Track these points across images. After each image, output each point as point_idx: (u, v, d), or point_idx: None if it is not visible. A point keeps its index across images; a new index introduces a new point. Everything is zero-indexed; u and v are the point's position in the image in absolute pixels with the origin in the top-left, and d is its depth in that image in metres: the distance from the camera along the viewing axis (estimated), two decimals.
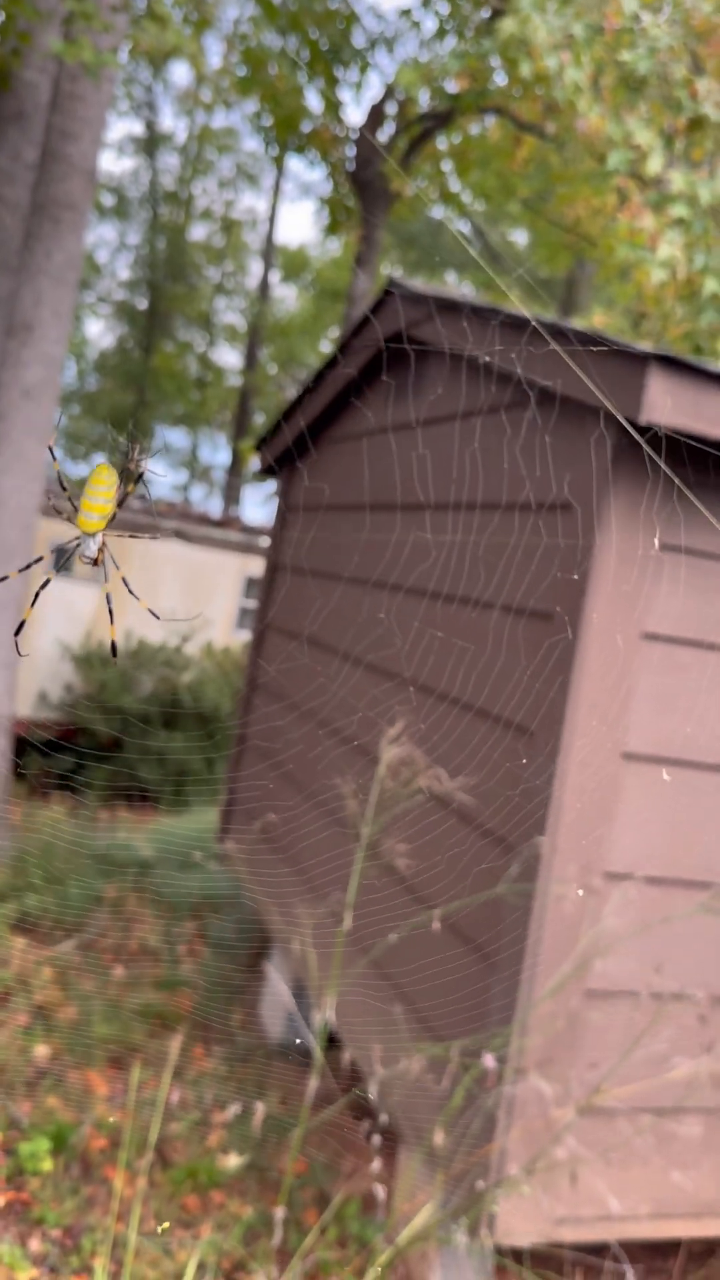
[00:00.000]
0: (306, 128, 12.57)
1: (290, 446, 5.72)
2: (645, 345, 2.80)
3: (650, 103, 6.79)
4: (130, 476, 1.43)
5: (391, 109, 12.08)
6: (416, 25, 11.76)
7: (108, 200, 24.01)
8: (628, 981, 2.96)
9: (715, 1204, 3.18)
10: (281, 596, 5.78)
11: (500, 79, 9.17)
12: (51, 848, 6.51)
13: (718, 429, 2.74)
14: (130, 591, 1.53)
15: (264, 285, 25.40)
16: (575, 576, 2.95)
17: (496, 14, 9.93)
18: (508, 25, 6.46)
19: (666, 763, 3.06)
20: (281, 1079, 4.52)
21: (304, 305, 26.09)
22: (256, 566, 11.00)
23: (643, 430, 2.74)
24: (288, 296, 27.05)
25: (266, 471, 6.27)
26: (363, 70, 12.25)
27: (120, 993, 5.10)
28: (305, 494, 5.69)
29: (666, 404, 2.69)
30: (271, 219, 26.08)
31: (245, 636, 10.91)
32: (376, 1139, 2.69)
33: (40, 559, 1.60)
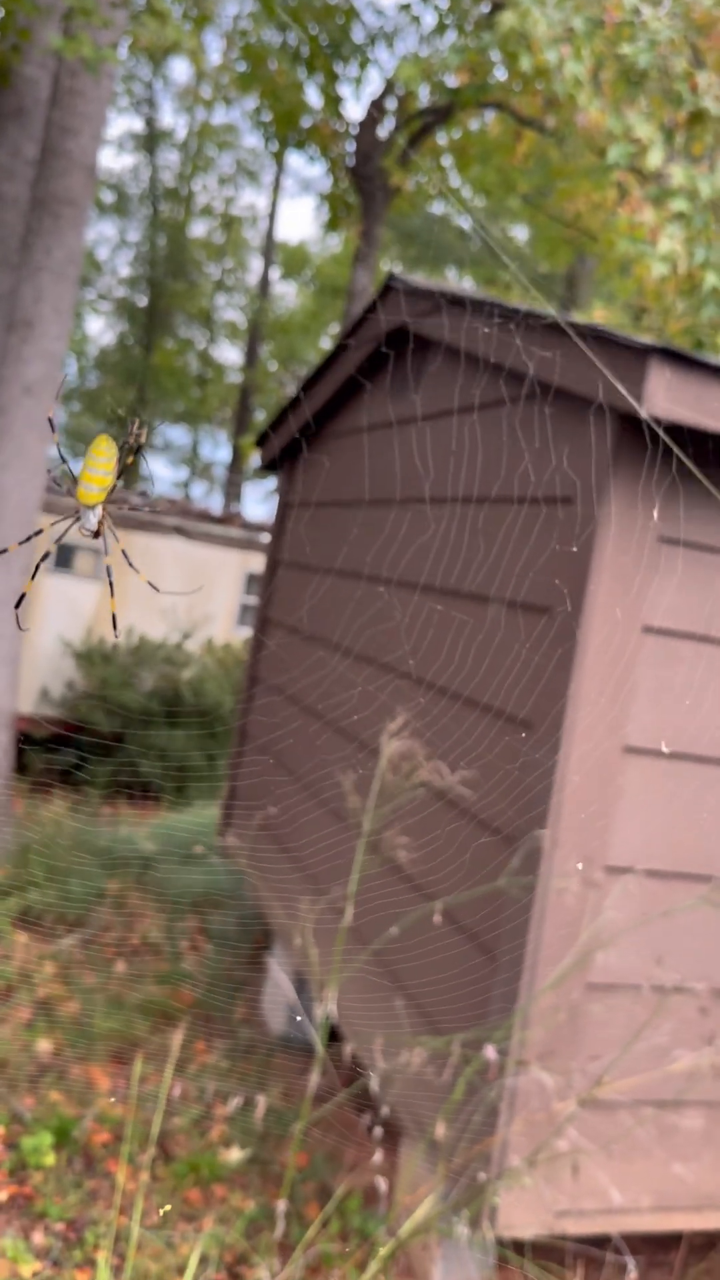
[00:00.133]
0: (306, 123, 12.56)
1: (290, 442, 5.72)
2: (646, 338, 2.80)
3: (650, 96, 6.79)
4: (130, 449, 1.41)
5: (391, 104, 12.07)
6: (416, 20, 11.74)
7: (108, 197, 23.99)
8: (629, 974, 2.96)
9: (717, 1196, 3.18)
10: (282, 592, 5.78)
11: (500, 73, 9.16)
12: (54, 843, 6.52)
13: (719, 422, 2.74)
14: (130, 564, 1.52)
15: (264, 282, 25.39)
16: (575, 570, 2.95)
17: (496, 8, 9.91)
18: (507, 19, 6.45)
19: (667, 756, 3.06)
20: (283, 1072, 4.52)
21: (304, 302, 26.06)
22: (258, 563, 11.00)
23: (643, 424, 2.73)
24: (288, 293, 27.05)
25: (267, 468, 6.27)
26: (362, 65, 12.24)
27: (122, 987, 5.11)
28: (306, 489, 5.69)
29: (667, 397, 2.69)
30: (272, 215, 26.08)
31: (246, 633, 10.91)
32: (378, 1132, 2.70)
33: (40, 532, 1.58)
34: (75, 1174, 3.79)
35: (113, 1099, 4.21)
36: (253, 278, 26.51)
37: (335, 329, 23.08)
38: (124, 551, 1.52)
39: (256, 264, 26.51)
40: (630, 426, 2.84)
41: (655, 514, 2.92)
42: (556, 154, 11.32)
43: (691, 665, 3.03)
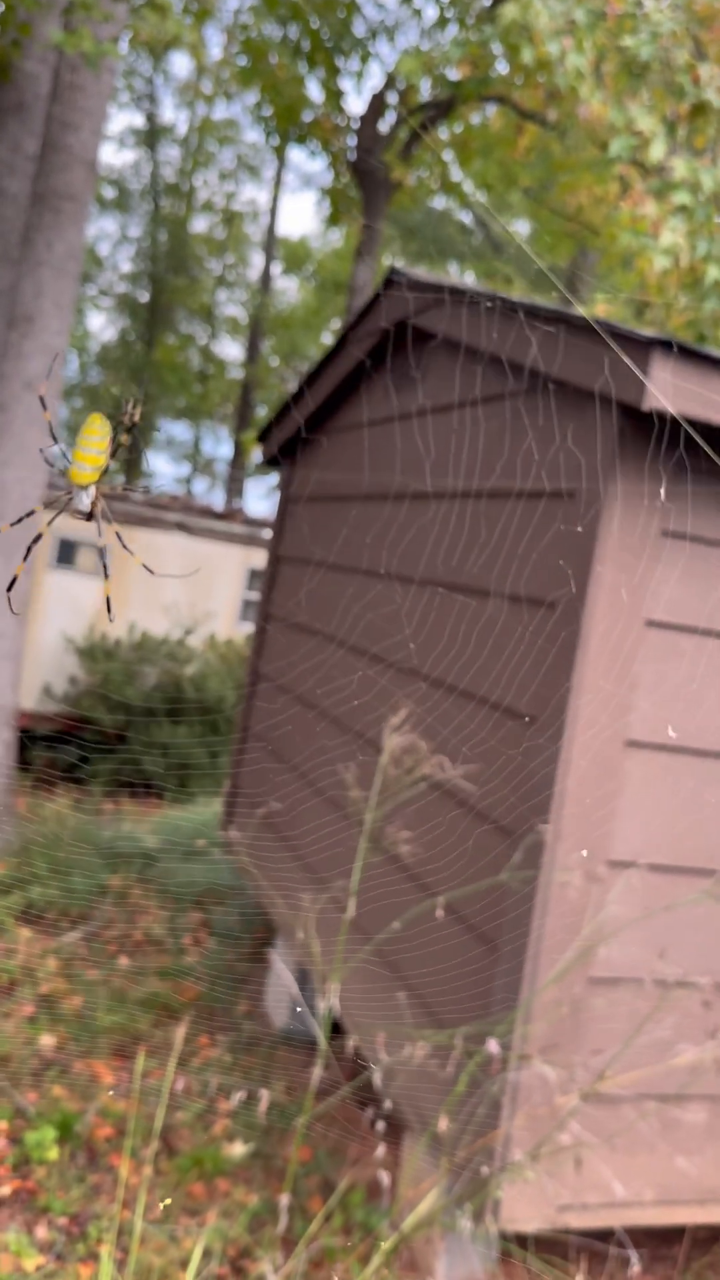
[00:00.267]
0: (307, 118, 12.53)
1: (292, 437, 5.71)
2: (649, 331, 2.79)
3: (652, 89, 6.76)
4: (124, 429, 1.38)
5: (392, 98, 12.04)
6: (417, 13, 11.72)
7: (109, 192, 23.96)
8: (631, 968, 2.96)
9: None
10: (284, 588, 5.78)
11: (502, 66, 9.13)
12: (56, 839, 6.52)
13: None
14: (125, 547, 1.50)
15: (265, 277, 25.35)
16: (577, 563, 2.94)
17: (498, 0, 9.89)
18: (509, 11, 6.43)
19: (669, 750, 3.06)
20: (286, 1067, 4.53)
21: (306, 297, 26.03)
22: (259, 559, 10.99)
23: (645, 416, 2.73)
24: (289, 288, 27.02)
25: (269, 463, 6.26)
26: (364, 59, 12.21)
27: (125, 982, 5.11)
28: (307, 485, 5.69)
29: (670, 390, 2.68)
30: (273, 211, 26.00)
31: (248, 629, 10.92)
32: (381, 1126, 2.70)
33: (33, 512, 1.56)
34: (78, 1168, 3.79)
35: (111, 1092, 4.21)
36: (254, 273, 26.50)
37: (337, 324, 23.05)
38: (118, 534, 1.50)
39: (258, 259, 26.51)
40: (633, 420, 2.83)
41: (658, 507, 2.91)
42: (558, 147, 11.29)
43: (694, 659, 3.02)
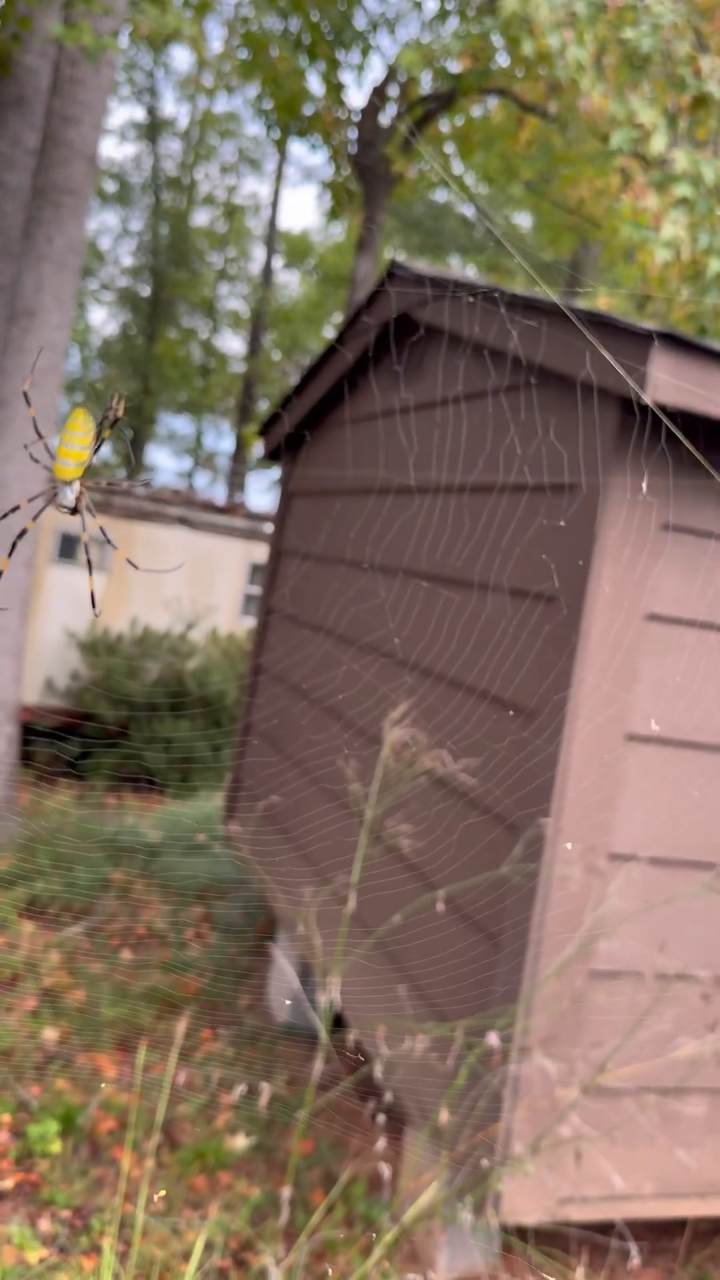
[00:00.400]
0: (308, 111, 12.50)
1: (293, 431, 5.71)
2: (649, 324, 2.79)
3: (654, 81, 6.74)
4: (108, 423, 1.37)
5: (393, 91, 12.01)
6: (418, 6, 11.68)
7: (110, 186, 23.92)
8: (632, 961, 2.97)
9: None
10: (286, 582, 5.78)
11: (502, 59, 9.10)
12: (59, 832, 6.53)
13: None
14: (108, 541, 1.50)
15: (267, 271, 25.31)
16: (577, 557, 2.94)
17: None
18: (510, 3, 6.41)
19: (670, 744, 3.06)
20: (288, 1060, 4.54)
21: (307, 291, 25.99)
22: (261, 553, 11.00)
23: (645, 409, 2.72)
24: (291, 282, 26.97)
25: (270, 457, 6.26)
26: (364, 52, 12.18)
27: (127, 976, 5.12)
28: (308, 478, 5.68)
29: (670, 383, 2.68)
30: (274, 204, 25.95)
31: (250, 623, 10.92)
32: (382, 1119, 2.71)
33: (18, 508, 1.56)
34: (81, 1162, 3.80)
35: (105, 1084, 4.22)
36: (255, 267, 26.44)
37: (338, 318, 23.02)
38: (102, 529, 1.50)
39: (259, 253, 26.46)
40: (633, 412, 2.83)
41: (658, 501, 2.91)
42: (559, 140, 11.26)
43: (694, 652, 3.02)
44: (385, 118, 12.19)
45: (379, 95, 12.08)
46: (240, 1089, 3.02)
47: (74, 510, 1.38)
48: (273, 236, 25.20)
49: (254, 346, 24.87)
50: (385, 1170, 2.61)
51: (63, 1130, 3.89)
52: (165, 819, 7.06)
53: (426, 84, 11.27)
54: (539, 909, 2.91)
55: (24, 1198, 3.59)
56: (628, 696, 2.96)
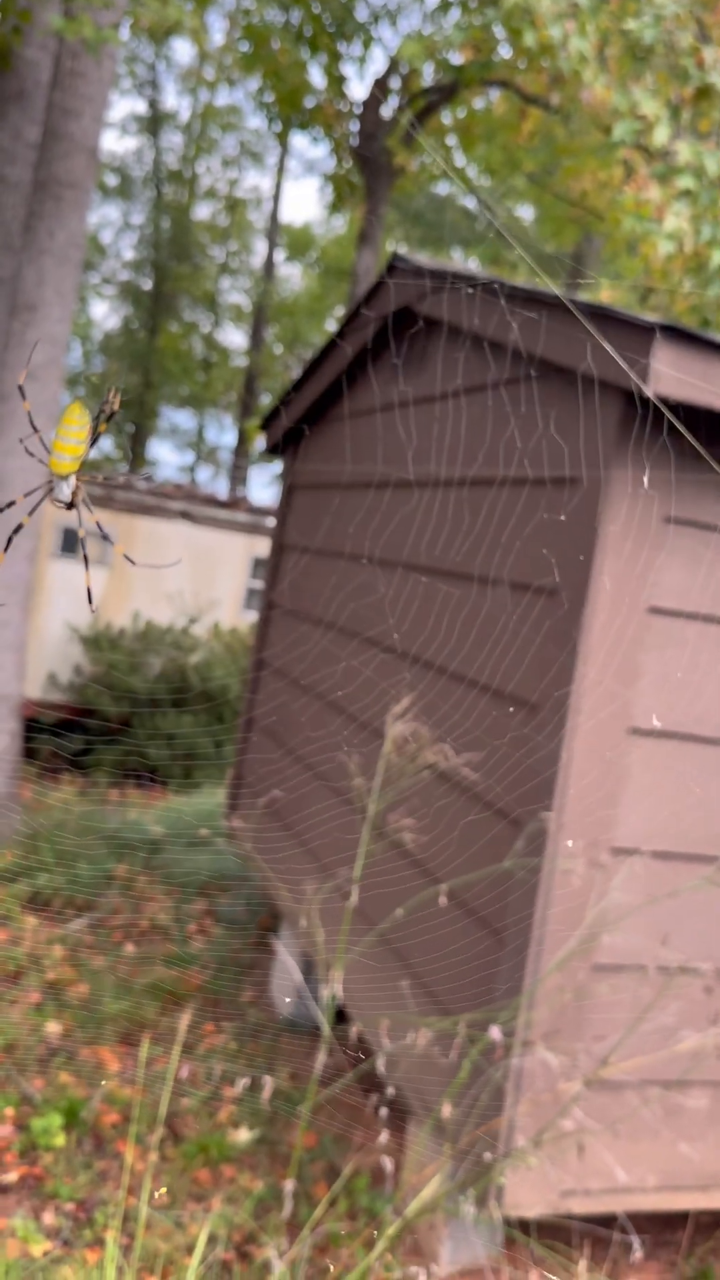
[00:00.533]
0: (310, 103, 12.46)
1: (295, 425, 5.70)
2: (652, 317, 2.78)
3: (656, 72, 6.71)
4: (104, 418, 1.36)
5: (395, 83, 11.97)
6: None
7: (111, 180, 23.87)
8: (634, 955, 2.97)
9: None
10: (288, 576, 5.77)
11: (504, 50, 9.07)
12: (62, 827, 6.54)
13: None
14: (105, 537, 1.50)
15: (269, 264, 25.26)
16: (579, 550, 2.94)
17: None
18: None
19: (672, 738, 3.05)
20: (291, 1054, 4.55)
21: (309, 284, 25.94)
22: (263, 547, 10.99)
23: (647, 402, 2.71)
24: (293, 275, 26.92)
25: (272, 451, 6.25)
26: (366, 44, 12.13)
27: (130, 970, 5.13)
28: (310, 472, 5.68)
29: (672, 375, 2.67)
30: (276, 197, 25.87)
31: (253, 617, 10.92)
32: (384, 1112, 2.71)
33: (13, 504, 1.55)
34: (85, 1155, 3.81)
35: (109, 1078, 4.23)
36: (257, 260, 26.39)
37: (340, 311, 22.98)
38: (99, 523, 1.50)
39: (261, 246, 26.39)
40: (634, 405, 2.82)
41: (660, 494, 2.90)
42: (562, 132, 11.22)
43: (696, 646, 3.02)
44: (387, 110, 12.15)
45: (380, 88, 12.04)
46: (243, 1083, 3.02)
47: (70, 505, 1.38)
48: (274, 230, 25.14)
49: (256, 340, 24.83)
50: (388, 1164, 2.61)
51: (66, 1124, 3.90)
52: (168, 814, 7.06)
53: (428, 76, 11.24)
54: (541, 903, 2.91)
55: (28, 1191, 3.60)
56: (629, 691, 2.95)
